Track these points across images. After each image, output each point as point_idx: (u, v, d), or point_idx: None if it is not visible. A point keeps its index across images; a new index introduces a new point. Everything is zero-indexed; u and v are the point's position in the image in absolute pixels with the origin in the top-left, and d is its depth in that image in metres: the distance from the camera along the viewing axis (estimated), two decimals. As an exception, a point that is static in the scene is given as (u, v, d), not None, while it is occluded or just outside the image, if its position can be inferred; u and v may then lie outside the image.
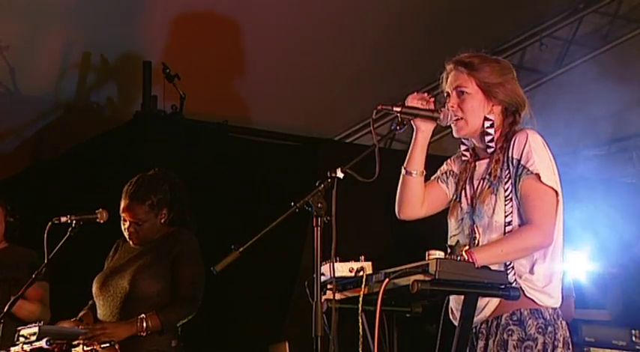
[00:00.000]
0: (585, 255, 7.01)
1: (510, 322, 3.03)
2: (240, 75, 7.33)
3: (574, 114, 7.27)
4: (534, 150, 3.07)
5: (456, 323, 3.09)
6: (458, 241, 3.12)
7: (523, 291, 3.02)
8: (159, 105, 6.83)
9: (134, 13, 6.65)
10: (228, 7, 6.88)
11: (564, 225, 3.14)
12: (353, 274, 2.99)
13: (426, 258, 2.81)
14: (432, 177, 3.36)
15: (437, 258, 2.76)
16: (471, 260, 2.86)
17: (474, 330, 3.10)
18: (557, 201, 3.08)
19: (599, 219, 6.84)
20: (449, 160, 3.38)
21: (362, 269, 2.98)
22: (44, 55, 6.68)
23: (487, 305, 3.06)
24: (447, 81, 3.25)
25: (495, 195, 3.11)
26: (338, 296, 2.99)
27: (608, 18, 8.24)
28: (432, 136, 3.27)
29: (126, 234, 4.36)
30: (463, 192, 3.25)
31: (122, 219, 4.36)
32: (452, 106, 3.19)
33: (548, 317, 3.04)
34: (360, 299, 2.91)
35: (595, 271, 7.08)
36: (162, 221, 4.37)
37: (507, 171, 3.11)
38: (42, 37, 6.49)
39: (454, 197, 3.29)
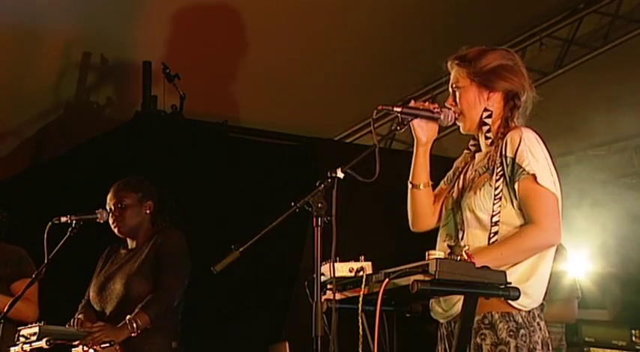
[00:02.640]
0: (585, 255, 7.01)
1: (482, 326, 2.99)
2: (240, 75, 7.32)
3: (574, 115, 7.28)
4: (529, 149, 3.01)
5: (436, 318, 3.11)
6: (458, 241, 3.11)
7: None
8: (159, 105, 6.83)
9: (134, 13, 6.63)
10: (229, 7, 6.88)
11: (563, 226, 3.08)
12: (353, 274, 2.98)
13: (426, 258, 2.81)
14: (441, 182, 3.33)
15: (437, 258, 2.75)
16: (471, 260, 2.84)
17: (444, 332, 3.11)
18: (556, 201, 3.04)
19: (599, 219, 6.84)
20: (457, 161, 3.33)
21: (362, 269, 2.97)
22: (44, 55, 6.67)
23: (455, 306, 3.01)
24: None
25: (481, 189, 3.06)
26: (338, 296, 2.98)
27: (608, 18, 8.23)
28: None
29: (112, 224, 4.44)
30: (456, 182, 3.23)
31: (110, 211, 4.44)
32: (450, 105, 3.19)
33: (520, 320, 2.97)
34: (360, 299, 2.90)
35: (595, 271, 7.08)
36: (148, 212, 4.48)
37: (500, 169, 3.05)
38: (42, 37, 6.48)
39: (450, 187, 3.27)
